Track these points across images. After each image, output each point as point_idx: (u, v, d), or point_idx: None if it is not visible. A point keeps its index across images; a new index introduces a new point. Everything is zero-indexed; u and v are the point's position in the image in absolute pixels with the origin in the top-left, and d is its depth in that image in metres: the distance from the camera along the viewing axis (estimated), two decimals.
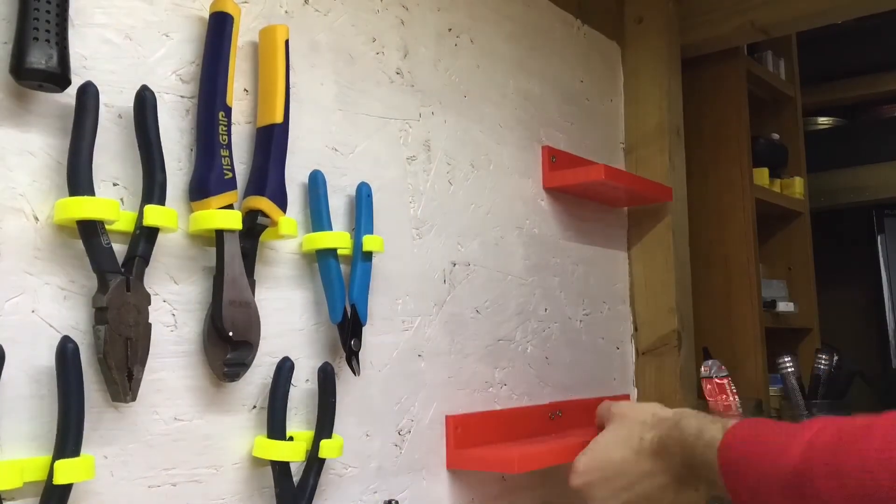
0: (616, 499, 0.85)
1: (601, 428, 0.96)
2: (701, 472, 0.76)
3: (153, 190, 0.63)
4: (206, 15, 0.70)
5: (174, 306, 0.66)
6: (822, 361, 1.47)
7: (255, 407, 0.72)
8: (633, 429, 0.86)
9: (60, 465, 0.55)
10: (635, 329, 1.33)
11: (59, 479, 0.55)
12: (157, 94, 0.64)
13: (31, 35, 0.56)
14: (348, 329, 0.78)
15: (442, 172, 0.96)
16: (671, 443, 0.80)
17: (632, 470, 0.84)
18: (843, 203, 2.09)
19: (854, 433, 0.62)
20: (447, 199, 0.97)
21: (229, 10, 0.69)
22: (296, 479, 0.72)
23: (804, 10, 1.35)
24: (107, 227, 0.59)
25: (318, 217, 0.77)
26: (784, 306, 1.70)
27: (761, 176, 1.70)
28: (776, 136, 1.82)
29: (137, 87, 0.63)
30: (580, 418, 1.13)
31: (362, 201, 0.81)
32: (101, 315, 0.59)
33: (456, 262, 0.97)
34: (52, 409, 0.57)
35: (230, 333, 0.67)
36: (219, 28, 0.69)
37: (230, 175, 0.68)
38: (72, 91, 0.59)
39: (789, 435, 0.67)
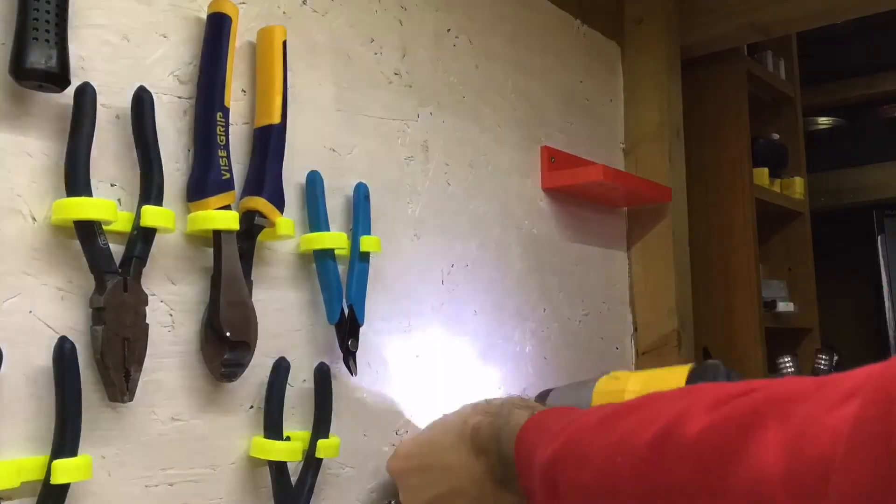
0: (427, 490, 0.70)
1: None
2: (511, 470, 0.63)
3: (150, 190, 0.63)
4: (204, 16, 0.70)
5: (171, 307, 0.67)
6: (822, 361, 1.47)
7: (252, 407, 0.72)
8: (463, 412, 0.72)
9: (58, 464, 0.55)
10: (635, 329, 1.33)
11: (56, 479, 0.55)
12: (154, 95, 0.64)
13: (31, 35, 0.56)
14: (346, 329, 0.78)
15: (440, 173, 0.96)
16: (488, 432, 0.66)
17: (451, 458, 0.69)
18: (843, 203, 2.09)
19: (613, 414, 0.54)
20: (445, 199, 0.97)
21: (227, 10, 0.70)
22: (293, 479, 0.72)
23: (804, 10, 1.35)
24: (104, 227, 0.60)
25: (315, 217, 0.78)
26: (784, 306, 1.70)
27: (761, 176, 1.70)
28: (776, 136, 1.82)
29: (135, 88, 0.63)
30: None
31: (360, 202, 0.81)
32: (98, 315, 0.60)
33: (454, 263, 0.97)
34: (49, 409, 0.57)
35: (227, 334, 0.67)
36: (217, 29, 0.69)
37: (228, 175, 0.68)
38: (69, 92, 0.59)
39: (568, 422, 0.58)
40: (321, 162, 0.81)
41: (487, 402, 0.71)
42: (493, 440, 0.65)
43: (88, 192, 0.59)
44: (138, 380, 0.61)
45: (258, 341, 0.70)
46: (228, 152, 0.69)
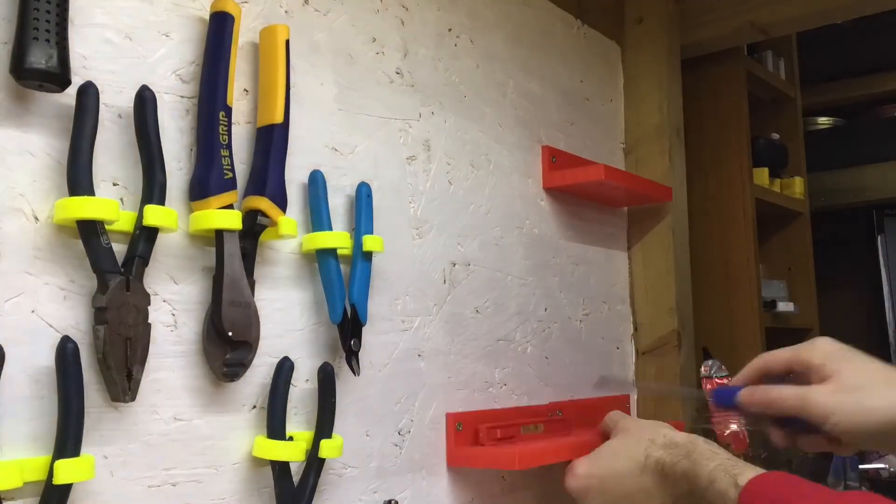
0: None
1: (606, 437, 0.95)
2: None
3: (153, 190, 0.63)
4: (207, 15, 0.70)
5: (174, 306, 0.66)
6: None
7: (254, 407, 0.72)
8: (640, 443, 0.85)
9: (60, 465, 0.55)
10: (635, 329, 1.33)
11: (58, 479, 0.55)
12: (157, 94, 0.64)
13: (31, 35, 0.56)
14: (348, 329, 0.78)
15: (442, 172, 0.96)
16: (679, 472, 0.79)
17: (631, 485, 0.84)
18: (843, 203, 2.09)
19: None
20: (447, 198, 0.97)
21: (230, 9, 0.69)
22: (295, 479, 0.72)
23: (804, 10, 1.35)
24: (106, 227, 0.60)
25: (317, 217, 0.77)
26: (784, 306, 1.70)
27: (761, 176, 1.70)
28: (776, 136, 1.82)
29: (137, 87, 0.63)
30: (580, 418, 1.13)
31: (362, 201, 0.81)
32: (100, 315, 0.59)
33: (456, 262, 0.97)
34: (51, 409, 0.57)
35: (230, 333, 0.67)
36: (219, 28, 0.69)
37: (230, 175, 0.68)
38: (72, 91, 0.59)
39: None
40: (323, 161, 0.81)
41: (665, 437, 0.84)
42: (684, 480, 0.78)
43: (91, 192, 0.58)
44: (140, 379, 0.61)
45: (260, 341, 0.70)
46: (231, 152, 0.68)
